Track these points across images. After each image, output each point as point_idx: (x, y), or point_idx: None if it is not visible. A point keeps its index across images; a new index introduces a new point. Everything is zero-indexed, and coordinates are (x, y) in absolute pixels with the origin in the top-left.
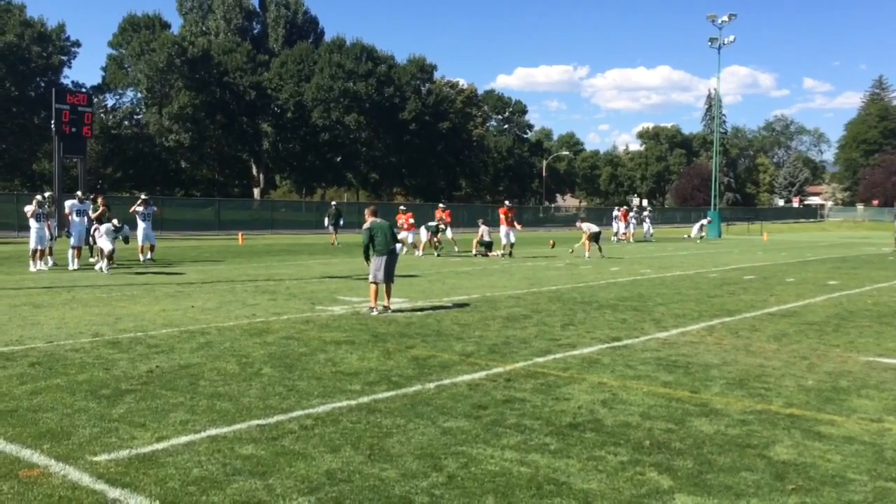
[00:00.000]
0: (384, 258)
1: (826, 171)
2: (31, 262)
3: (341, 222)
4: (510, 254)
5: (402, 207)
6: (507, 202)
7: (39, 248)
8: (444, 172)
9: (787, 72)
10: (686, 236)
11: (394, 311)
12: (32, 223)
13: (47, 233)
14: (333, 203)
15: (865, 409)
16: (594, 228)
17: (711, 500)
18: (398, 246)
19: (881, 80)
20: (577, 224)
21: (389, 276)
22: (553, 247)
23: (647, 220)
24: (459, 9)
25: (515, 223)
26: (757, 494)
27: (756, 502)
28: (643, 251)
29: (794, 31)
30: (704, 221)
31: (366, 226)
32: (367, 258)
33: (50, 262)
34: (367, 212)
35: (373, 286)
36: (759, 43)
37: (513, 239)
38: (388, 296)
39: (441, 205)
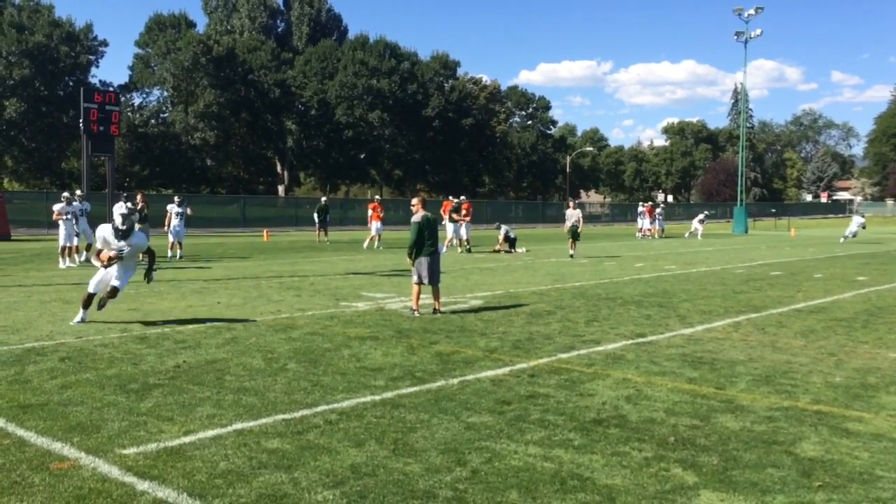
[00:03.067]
0: (427, 259)
1: (855, 166)
2: (60, 259)
3: (328, 218)
4: (468, 250)
5: (452, 198)
6: (451, 197)
7: (69, 244)
8: (467, 169)
9: (814, 65)
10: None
11: (425, 311)
12: (61, 220)
13: (76, 230)
14: (324, 199)
15: (894, 405)
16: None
17: (737, 496)
18: (440, 245)
19: None
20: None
21: (435, 278)
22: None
23: (700, 220)
24: (482, 5)
25: (461, 217)
26: (783, 491)
27: (782, 499)
28: (668, 247)
29: (822, 24)
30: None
31: (415, 219)
32: (411, 255)
33: (79, 259)
34: (417, 202)
35: (416, 287)
36: (786, 36)
37: (464, 234)
38: (437, 298)
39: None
